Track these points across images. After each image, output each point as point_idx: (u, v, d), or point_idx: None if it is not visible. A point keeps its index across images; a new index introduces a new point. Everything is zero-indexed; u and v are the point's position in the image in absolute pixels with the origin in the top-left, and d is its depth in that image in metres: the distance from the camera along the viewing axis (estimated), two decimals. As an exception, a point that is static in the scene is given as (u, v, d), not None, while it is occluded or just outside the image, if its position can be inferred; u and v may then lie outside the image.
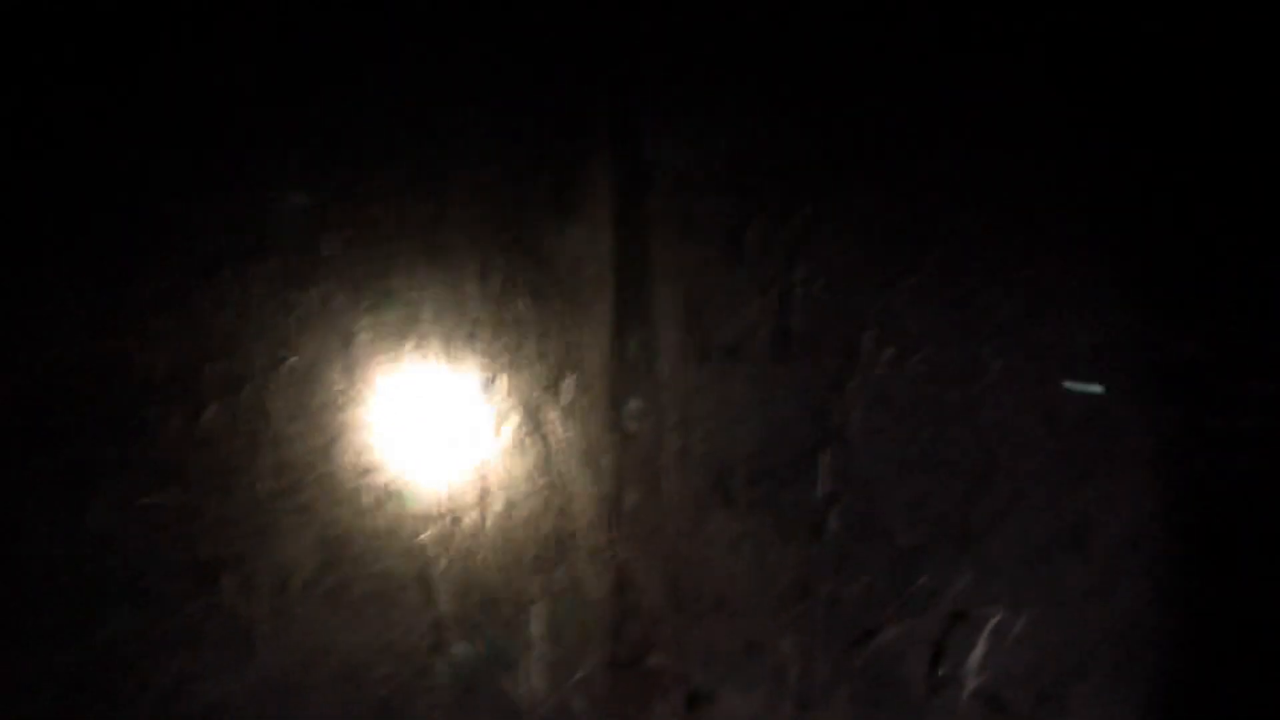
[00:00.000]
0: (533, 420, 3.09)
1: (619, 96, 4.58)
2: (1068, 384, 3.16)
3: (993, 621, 2.54)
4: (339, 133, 4.43)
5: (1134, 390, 3.21)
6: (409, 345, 3.43)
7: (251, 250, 3.77)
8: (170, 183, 4.04)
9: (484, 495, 2.88)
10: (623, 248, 3.76)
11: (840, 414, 3.03)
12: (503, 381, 3.26)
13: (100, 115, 4.08)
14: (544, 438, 3.00)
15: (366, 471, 3.10)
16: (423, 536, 2.84)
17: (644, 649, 2.51)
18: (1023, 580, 2.76)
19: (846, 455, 2.97)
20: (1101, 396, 3.16)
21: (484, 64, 4.99)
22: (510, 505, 2.84)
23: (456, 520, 2.84)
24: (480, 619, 2.66)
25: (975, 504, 2.90)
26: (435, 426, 3.08)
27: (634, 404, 3.03)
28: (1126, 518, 2.86)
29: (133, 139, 4.11)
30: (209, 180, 4.10)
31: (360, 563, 2.86)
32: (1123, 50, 4.06)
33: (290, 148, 4.18)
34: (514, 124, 4.57)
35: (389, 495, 3.00)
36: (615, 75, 4.58)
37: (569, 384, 3.21)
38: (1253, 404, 3.08)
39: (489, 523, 2.81)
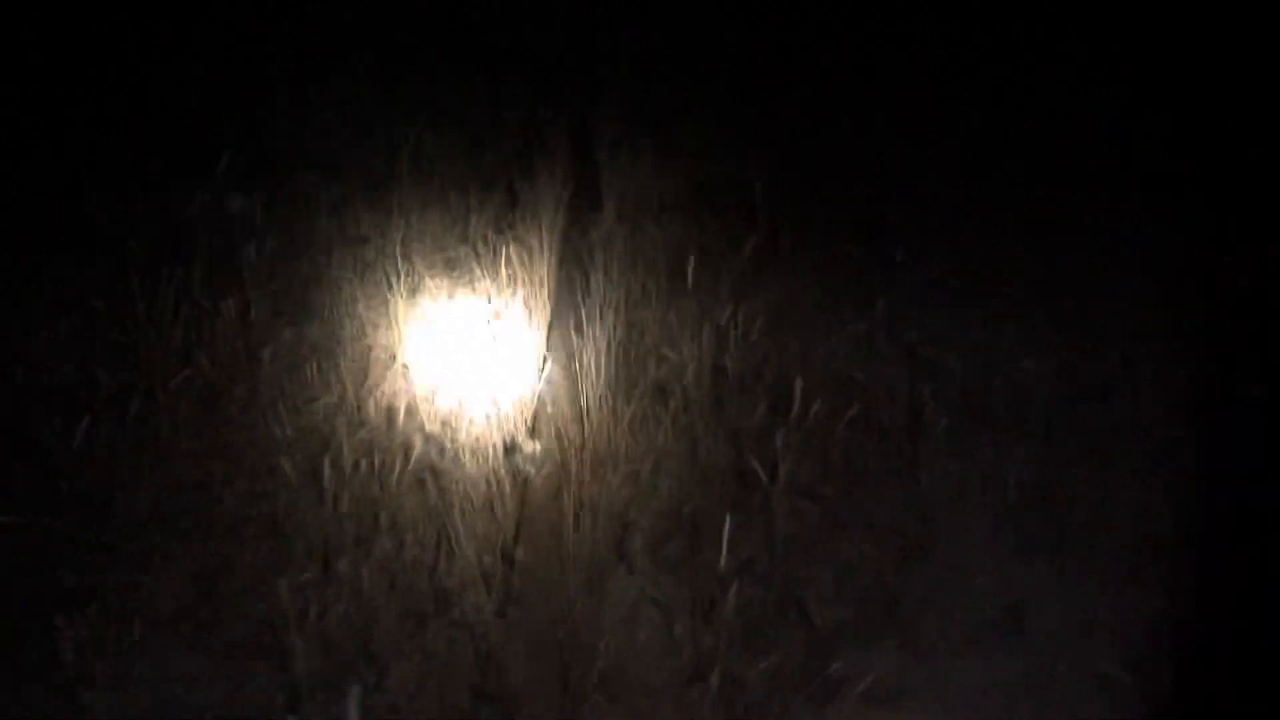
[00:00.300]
0: (435, 457, 2.69)
1: (577, 119, 4.18)
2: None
3: (913, 707, 2.15)
4: (283, 139, 4.04)
5: (1087, 460, 2.81)
6: (320, 366, 3.04)
7: (169, 254, 3.38)
8: (90, 178, 3.65)
9: (371, 537, 2.49)
10: (562, 274, 3.37)
11: (765, 468, 2.63)
12: (413, 412, 2.87)
13: (16, 102, 3.69)
14: (442, 479, 2.60)
15: (256, 500, 2.71)
16: (301, 579, 2.44)
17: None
18: (952, 666, 2.35)
19: (767, 515, 2.57)
20: (1051, 466, 2.76)
21: (441, 80, 4.58)
22: (396, 551, 2.45)
23: (337, 563, 2.44)
24: (339, 680, 2.26)
25: (907, 576, 2.50)
26: (333, 456, 2.68)
27: (534, 448, 2.63)
28: (1071, 600, 2.45)
29: (51, 129, 3.73)
30: (134, 177, 3.70)
31: (232, 603, 2.46)
32: (1085, 96, 3.67)
33: (228, 150, 3.79)
34: (467, 141, 4.17)
35: (275, 528, 2.62)
36: (574, 98, 4.20)
37: (481, 420, 2.81)
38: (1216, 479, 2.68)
39: (370, 569, 2.41)
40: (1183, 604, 2.42)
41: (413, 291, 3.37)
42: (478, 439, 2.73)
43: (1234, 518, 2.56)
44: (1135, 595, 2.46)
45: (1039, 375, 2.94)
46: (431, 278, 3.44)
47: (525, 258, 3.37)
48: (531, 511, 2.53)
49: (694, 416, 2.84)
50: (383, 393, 2.92)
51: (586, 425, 2.78)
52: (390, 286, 3.36)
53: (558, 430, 2.70)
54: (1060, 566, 2.53)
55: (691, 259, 3.15)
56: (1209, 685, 2.27)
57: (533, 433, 2.74)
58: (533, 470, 2.61)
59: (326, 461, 2.64)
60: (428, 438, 2.75)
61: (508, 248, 3.39)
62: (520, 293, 3.24)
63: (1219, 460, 2.75)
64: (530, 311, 3.17)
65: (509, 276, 3.30)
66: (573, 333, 3.04)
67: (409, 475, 2.63)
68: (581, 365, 2.91)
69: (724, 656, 2.30)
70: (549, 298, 3.25)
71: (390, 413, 2.84)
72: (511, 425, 2.77)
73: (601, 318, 3.06)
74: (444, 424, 2.79)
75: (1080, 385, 2.96)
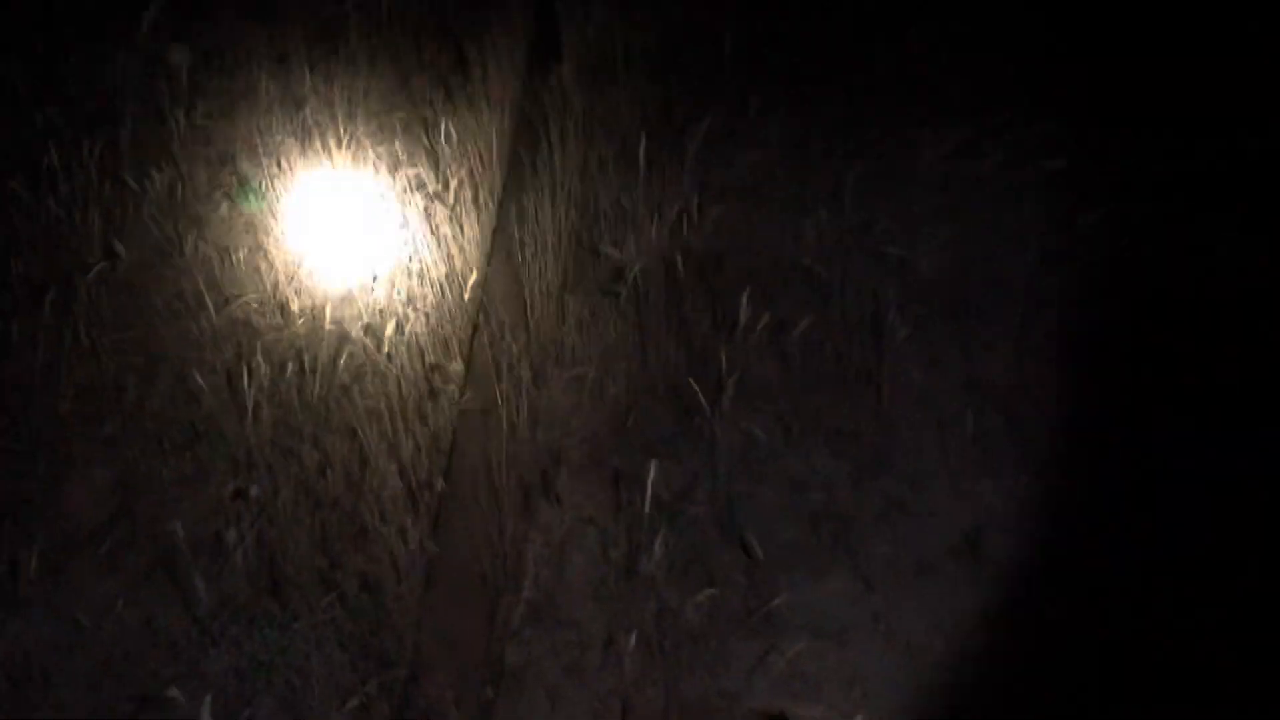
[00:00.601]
0: (363, 361, 2.48)
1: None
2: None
3: (860, 644, 2.00)
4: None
5: (1061, 365, 2.58)
6: (250, 253, 2.79)
7: (92, 121, 3.09)
8: (3, 36, 3.33)
9: (289, 455, 2.29)
10: (512, 148, 3.07)
11: (713, 376, 2.41)
12: (342, 310, 2.64)
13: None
14: (368, 388, 2.39)
15: (184, 402, 2.51)
16: (217, 497, 2.26)
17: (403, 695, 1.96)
18: (903, 596, 2.19)
19: (712, 429, 2.37)
20: (1024, 372, 2.53)
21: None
22: (319, 470, 2.26)
23: (253, 483, 2.25)
24: (251, 613, 2.10)
25: (862, 494, 2.31)
26: (255, 362, 2.47)
27: (471, 356, 2.41)
28: (1032, 524, 2.26)
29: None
30: (53, 34, 3.38)
31: (152, 518, 2.29)
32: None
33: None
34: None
35: (201, 435, 2.42)
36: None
37: (417, 318, 2.58)
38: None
39: (289, 490, 2.23)
40: (1151, 531, 2.23)
41: (354, 161, 3.09)
42: (411, 340, 2.51)
43: (1217, 436, 2.35)
44: (1100, 519, 2.26)
45: (1016, 270, 2.68)
46: (375, 146, 3.15)
47: (476, 123, 3.07)
48: (465, 423, 2.33)
49: (646, 314, 2.61)
50: (313, 285, 2.68)
51: (530, 322, 2.56)
52: (330, 152, 3.08)
53: (499, 330, 2.47)
54: (1024, 485, 2.33)
55: (651, 136, 2.84)
56: (1174, 622, 2.10)
57: (473, 335, 2.52)
58: (469, 379, 2.39)
59: (248, 367, 2.43)
60: (356, 340, 2.52)
61: (453, 115, 3.09)
62: (465, 169, 2.96)
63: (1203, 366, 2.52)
64: (476, 191, 2.90)
65: (457, 149, 3.01)
66: (519, 217, 2.78)
67: (333, 384, 2.42)
68: (526, 255, 2.66)
69: (660, 586, 2.13)
70: (496, 174, 2.97)
71: (316, 310, 2.61)
72: (451, 325, 2.54)
73: (552, 201, 2.79)
74: (373, 323, 2.56)
75: (1061, 282, 2.70)
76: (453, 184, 2.87)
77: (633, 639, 2.06)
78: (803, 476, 2.34)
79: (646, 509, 2.22)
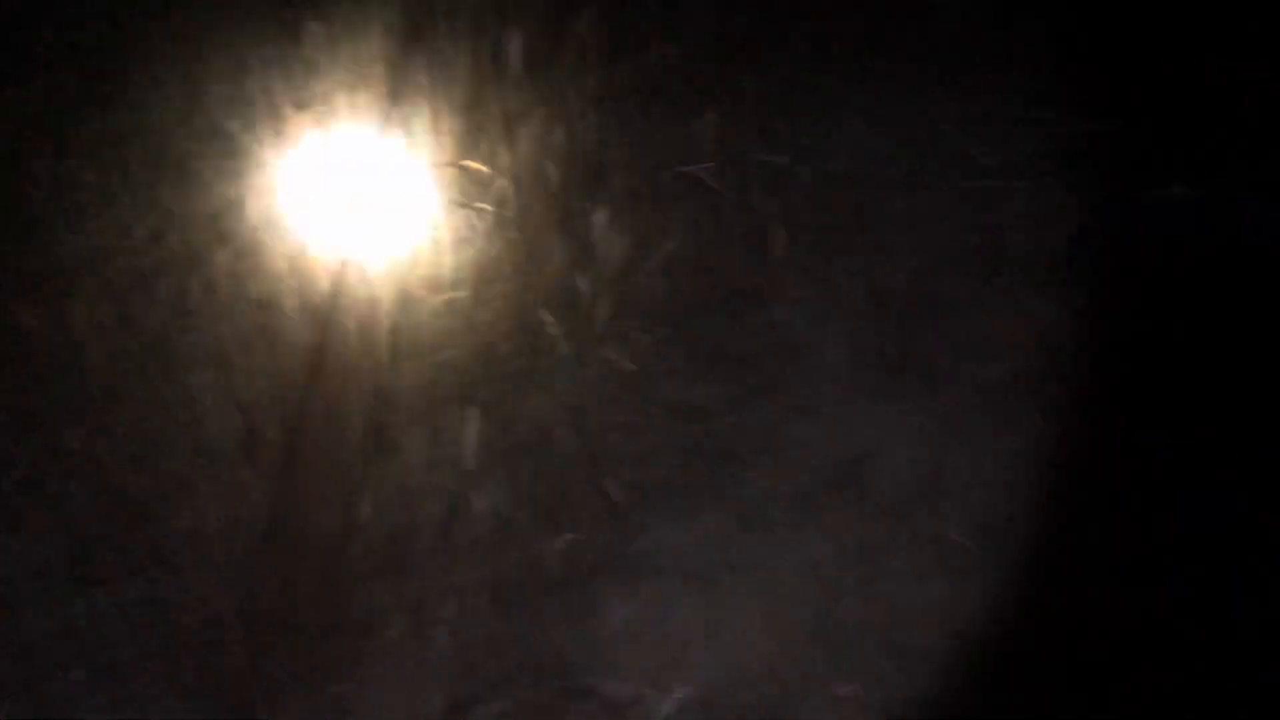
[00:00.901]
0: (207, 293, 2.28)
1: None
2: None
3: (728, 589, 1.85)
4: None
5: (972, 271, 2.37)
6: (113, 166, 2.58)
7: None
8: None
9: (123, 397, 2.12)
10: (401, 41, 2.83)
11: (587, 299, 2.21)
12: (197, 229, 2.44)
13: None
14: (212, 324, 2.20)
15: (18, 341, 2.34)
16: (52, 441, 2.10)
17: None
18: (780, 532, 2.02)
19: (583, 356, 2.18)
20: (928, 279, 2.33)
21: None
22: (148, 416, 2.08)
23: (89, 420, 2.09)
24: (70, 577, 1.96)
25: (743, 425, 2.13)
26: (108, 286, 2.28)
27: (310, 297, 2.21)
28: (920, 451, 2.08)
29: None
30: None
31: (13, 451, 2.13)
32: None
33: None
34: None
35: (34, 378, 2.26)
36: None
37: (271, 240, 2.38)
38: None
39: (115, 438, 2.06)
40: (1057, 455, 2.04)
41: (227, 69, 2.86)
42: (261, 269, 2.31)
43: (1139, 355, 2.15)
44: (990, 446, 2.07)
45: (927, 173, 2.45)
46: (250, 51, 2.90)
47: (357, 29, 2.82)
48: (315, 361, 2.14)
49: (522, 231, 2.40)
50: (164, 208, 2.48)
51: (397, 245, 2.36)
52: (204, 62, 2.85)
53: (362, 255, 2.27)
54: (916, 407, 2.14)
55: (536, 32, 2.60)
56: (1059, 554, 1.93)
57: (333, 262, 2.32)
58: (325, 311, 2.21)
59: (87, 300, 2.24)
60: (202, 269, 2.33)
61: (333, 18, 2.84)
62: (341, 75, 2.73)
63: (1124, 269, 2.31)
64: (352, 98, 2.67)
65: (331, 55, 2.77)
66: (392, 127, 2.56)
67: (172, 319, 2.23)
68: (398, 169, 2.44)
69: (518, 530, 1.97)
70: (375, 78, 2.74)
71: (164, 236, 2.41)
72: (309, 251, 2.34)
73: (431, 108, 2.56)
74: (222, 250, 2.36)
75: (973, 178, 2.47)
76: (324, 91, 2.64)
77: (484, 589, 1.90)
78: (679, 407, 2.15)
79: (507, 447, 2.05)
